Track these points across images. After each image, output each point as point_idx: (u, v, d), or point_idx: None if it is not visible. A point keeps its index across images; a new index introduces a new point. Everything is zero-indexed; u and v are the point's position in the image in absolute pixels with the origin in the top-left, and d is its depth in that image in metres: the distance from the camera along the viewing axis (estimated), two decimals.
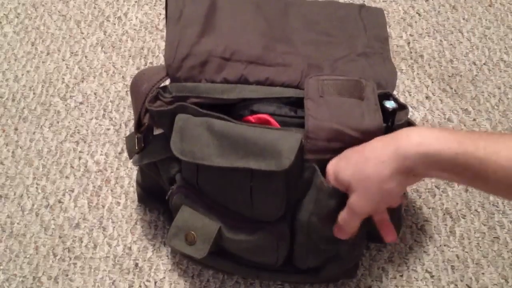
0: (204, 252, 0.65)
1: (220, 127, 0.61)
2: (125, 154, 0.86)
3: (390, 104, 0.63)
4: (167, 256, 0.78)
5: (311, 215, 0.62)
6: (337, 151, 0.61)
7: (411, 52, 0.99)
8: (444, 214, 0.82)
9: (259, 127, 0.62)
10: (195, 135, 0.62)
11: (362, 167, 0.57)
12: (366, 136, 0.60)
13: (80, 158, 0.86)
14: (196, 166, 0.64)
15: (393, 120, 0.63)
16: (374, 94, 0.63)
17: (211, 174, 0.64)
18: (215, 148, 0.61)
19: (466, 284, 0.77)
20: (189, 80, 0.65)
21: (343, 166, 0.59)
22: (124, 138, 0.88)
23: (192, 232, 0.65)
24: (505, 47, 1.01)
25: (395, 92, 0.70)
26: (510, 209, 0.83)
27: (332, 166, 0.60)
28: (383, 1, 1.06)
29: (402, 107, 0.64)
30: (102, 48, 0.99)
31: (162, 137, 0.67)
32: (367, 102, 0.62)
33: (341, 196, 0.60)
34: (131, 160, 0.71)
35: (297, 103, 0.64)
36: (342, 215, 0.60)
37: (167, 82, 0.67)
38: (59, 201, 0.83)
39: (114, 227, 0.80)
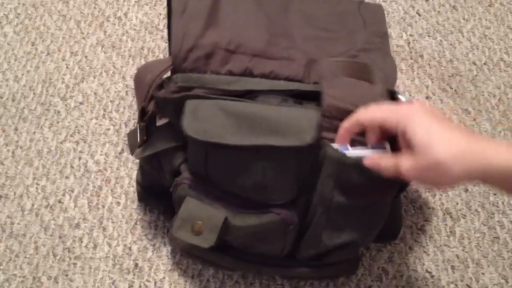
0: (212, 241, 0.65)
1: (235, 107, 0.61)
2: (125, 154, 0.86)
3: (403, 98, 0.65)
4: (167, 256, 0.78)
5: (333, 190, 0.62)
6: None
7: (411, 52, 0.99)
8: (444, 214, 0.82)
9: (275, 104, 0.62)
10: (209, 115, 0.61)
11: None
12: None
13: (80, 158, 0.86)
14: (204, 152, 0.64)
15: None
16: (381, 80, 0.65)
17: (221, 158, 0.63)
18: (230, 127, 0.60)
19: (466, 284, 0.77)
20: (194, 72, 0.66)
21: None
22: (124, 138, 0.88)
23: (199, 222, 0.65)
24: (505, 47, 1.01)
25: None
26: (510, 209, 0.83)
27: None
28: (383, 1, 1.06)
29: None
30: (102, 48, 0.99)
31: (166, 127, 0.68)
32: (377, 86, 0.64)
33: (362, 168, 0.59)
34: (133, 154, 0.71)
35: (301, 97, 0.64)
36: (387, 160, 0.56)
37: (170, 73, 0.67)
38: (59, 201, 0.83)
39: (114, 227, 0.80)
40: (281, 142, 0.59)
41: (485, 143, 0.50)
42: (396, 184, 0.64)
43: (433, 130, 0.52)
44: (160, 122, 0.69)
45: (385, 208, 0.66)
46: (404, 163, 0.53)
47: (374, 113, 0.56)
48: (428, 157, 0.51)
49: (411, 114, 0.53)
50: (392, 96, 0.64)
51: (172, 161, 0.68)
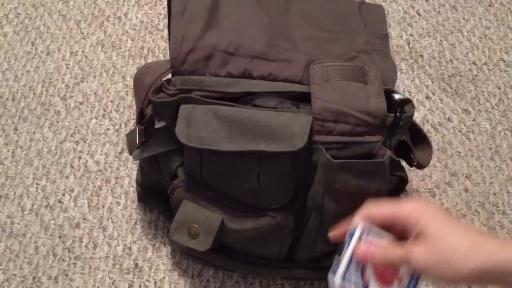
0: (208, 245, 0.65)
1: (228, 112, 0.61)
2: (125, 154, 0.86)
3: (398, 96, 0.64)
4: (167, 256, 0.78)
5: (324, 197, 0.62)
6: (344, 134, 0.61)
7: (411, 52, 0.99)
8: None
9: (268, 110, 0.62)
10: (202, 121, 0.62)
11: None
12: (370, 118, 0.61)
13: (80, 158, 0.86)
14: (200, 157, 0.64)
15: (402, 111, 0.63)
16: (377, 80, 0.64)
17: (216, 163, 0.64)
18: (223, 133, 0.61)
19: (466, 284, 0.76)
20: (194, 74, 0.66)
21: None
22: (124, 138, 0.88)
23: (195, 225, 0.65)
24: (505, 47, 1.01)
25: None
26: (510, 209, 0.83)
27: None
28: (383, 1, 1.06)
29: (407, 100, 0.65)
30: (102, 48, 0.99)
31: (164, 130, 0.68)
32: (371, 86, 0.64)
33: (349, 171, 0.59)
34: (132, 155, 0.71)
35: (299, 98, 0.64)
36: (396, 250, 0.53)
37: (171, 75, 0.67)
38: (59, 201, 0.83)
39: (114, 227, 0.80)
40: (273, 148, 0.59)
41: (498, 241, 0.50)
42: (384, 192, 0.64)
43: (448, 222, 0.51)
44: (159, 125, 0.69)
45: None
46: (416, 253, 0.51)
47: (383, 207, 0.55)
48: (443, 247, 0.50)
49: (424, 206, 0.53)
50: (389, 95, 0.64)
51: (170, 164, 0.68)
